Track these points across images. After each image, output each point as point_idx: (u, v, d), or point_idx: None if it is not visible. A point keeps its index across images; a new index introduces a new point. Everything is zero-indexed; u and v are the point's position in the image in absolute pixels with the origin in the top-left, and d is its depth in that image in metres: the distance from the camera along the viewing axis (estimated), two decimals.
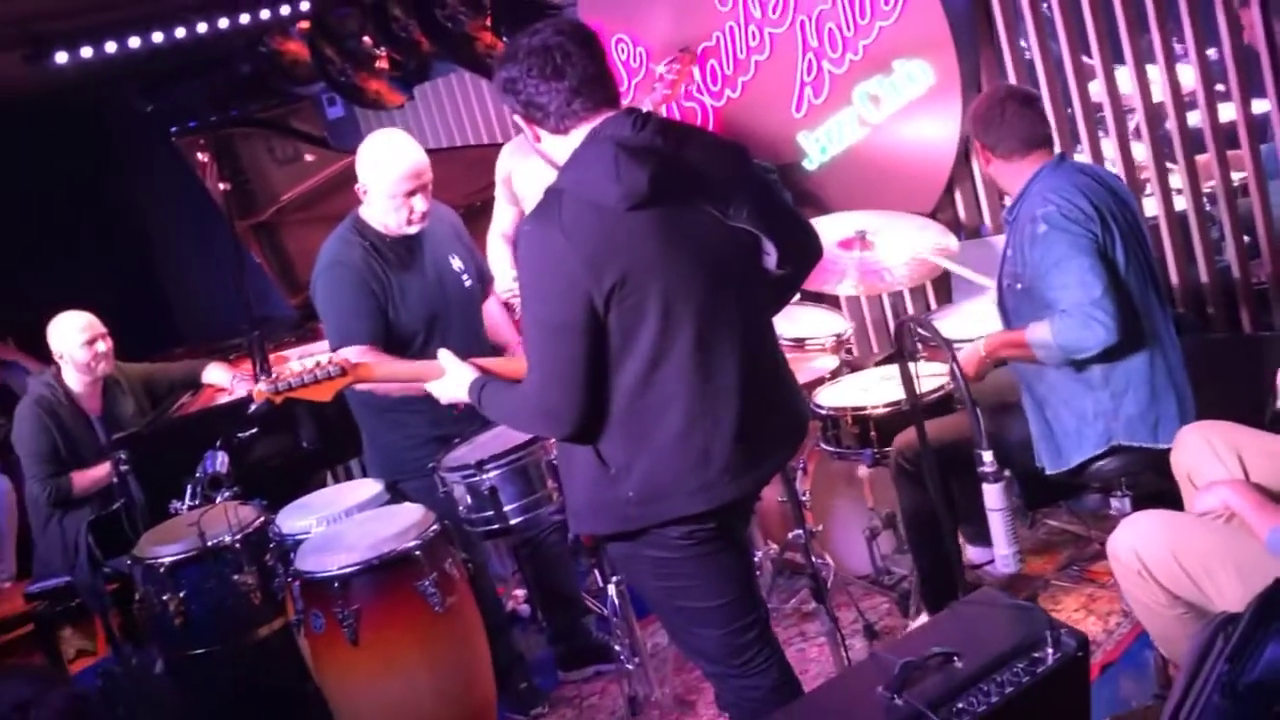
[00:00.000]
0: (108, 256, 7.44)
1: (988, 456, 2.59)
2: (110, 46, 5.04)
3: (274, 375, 2.76)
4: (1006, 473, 2.60)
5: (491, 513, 3.22)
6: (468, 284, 3.68)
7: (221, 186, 5.15)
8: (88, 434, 4.60)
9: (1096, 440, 3.15)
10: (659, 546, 2.46)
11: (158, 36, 5.09)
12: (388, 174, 3.43)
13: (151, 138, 7.36)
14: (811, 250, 2.69)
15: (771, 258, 2.53)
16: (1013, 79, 4.30)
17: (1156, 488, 3.30)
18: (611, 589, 3.49)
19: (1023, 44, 4.38)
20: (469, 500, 3.26)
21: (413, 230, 3.51)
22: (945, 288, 4.63)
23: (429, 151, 5.86)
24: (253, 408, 2.77)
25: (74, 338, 4.52)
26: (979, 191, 4.56)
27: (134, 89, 6.82)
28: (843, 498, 3.99)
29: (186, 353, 7.35)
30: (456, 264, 3.66)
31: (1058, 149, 3.28)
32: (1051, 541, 4.00)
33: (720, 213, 2.42)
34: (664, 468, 2.38)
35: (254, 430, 4.39)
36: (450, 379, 2.71)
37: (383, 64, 6.36)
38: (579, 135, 2.38)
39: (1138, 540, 2.61)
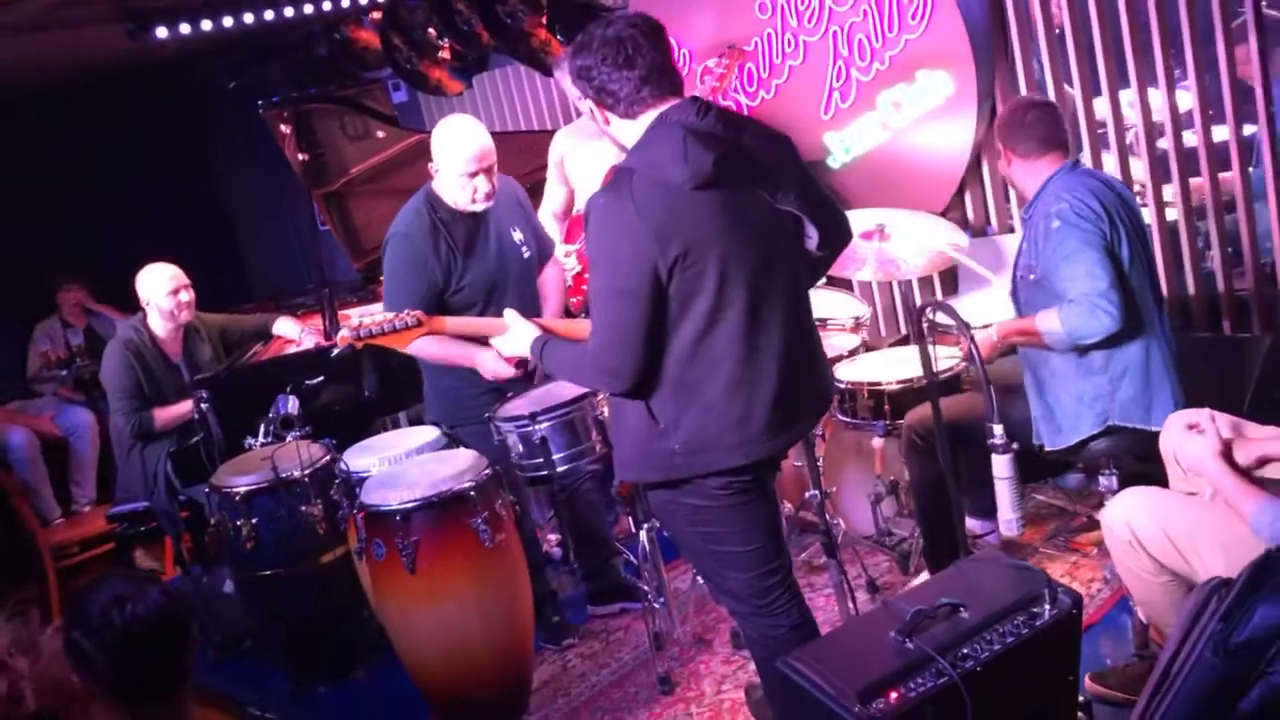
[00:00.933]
0: (190, 218, 7.46)
1: (998, 430, 2.59)
2: (206, 24, 5.02)
3: (356, 324, 2.77)
4: (1015, 445, 2.59)
5: (541, 460, 3.23)
6: (526, 255, 3.68)
7: (300, 157, 5.15)
8: (170, 375, 4.62)
9: (1094, 421, 3.16)
10: (698, 495, 2.48)
11: (248, 18, 5.08)
12: (458, 155, 3.42)
13: (234, 111, 7.38)
14: (845, 235, 2.69)
15: (813, 240, 2.55)
16: (1024, 94, 4.27)
17: (1139, 469, 3.31)
18: (643, 535, 3.51)
19: (1034, 63, 4.34)
20: (520, 448, 3.27)
21: (478, 208, 3.50)
22: (951, 280, 4.62)
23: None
24: (335, 351, 2.78)
25: (161, 287, 4.54)
26: (987, 194, 4.54)
27: (221, 66, 6.81)
28: (852, 465, 4.00)
29: (256, 307, 7.39)
30: (518, 235, 3.66)
31: (1072, 155, 3.27)
32: (1039, 514, 4.00)
33: (770, 196, 2.43)
34: (708, 424, 2.40)
35: (321, 378, 4.44)
36: (515, 334, 2.73)
37: (445, 54, 6.34)
38: (646, 120, 2.39)
39: (1130, 513, 2.61)
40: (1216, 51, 3.85)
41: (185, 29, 5.01)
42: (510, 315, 2.74)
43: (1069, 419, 3.19)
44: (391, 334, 2.71)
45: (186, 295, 4.57)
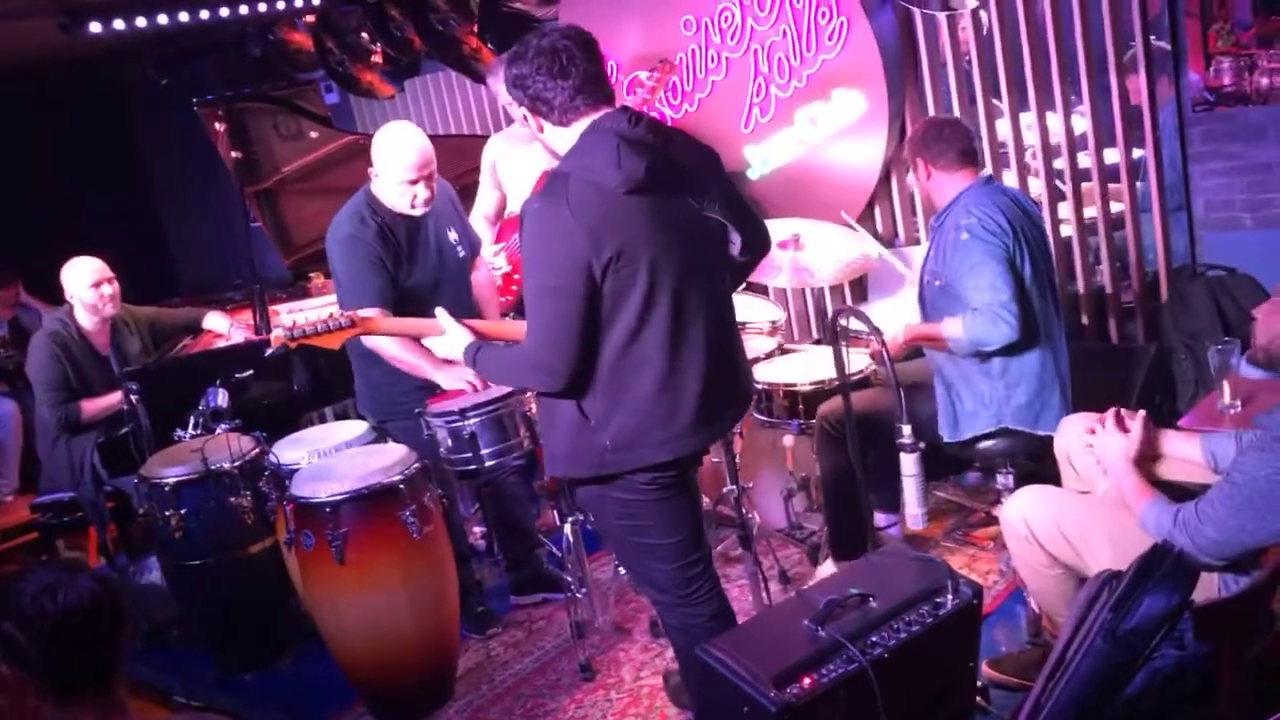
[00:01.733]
0: (119, 212, 7.23)
1: (907, 430, 2.63)
2: (140, 21, 4.88)
3: (290, 323, 2.71)
4: (921, 444, 2.64)
5: (470, 455, 3.21)
6: (461, 254, 3.64)
7: (233, 155, 5.03)
8: (97, 367, 4.46)
9: (988, 421, 3.24)
10: (626, 490, 2.48)
11: (183, 16, 4.95)
12: (400, 162, 3.36)
13: (165, 108, 7.19)
14: (765, 243, 2.71)
15: (736, 246, 2.57)
16: (931, 114, 4.37)
17: (1032, 468, 3.41)
18: (567, 528, 3.51)
19: (942, 86, 4.43)
20: (450, 443, 3.24)
21: (417, 213, 3.45)
22: (860, 288, 4.70)
23: None
24: (269, 351, 2.72)
25: (83, 279, 4.37)
26: (895, 208, 4.63)
27: (153, 62, 6.63)
28: (766, 462, 4.04)
29: (184, 302, 7.19)
30: (453, 235, 3.62)
31: (986, 170, 3.35)
32: (939, 509, 4.07)
33: (697, 203, 2.45)
34: (637, 421, 2.40)
35: (251, 372, 4.34)
36: (448, 339, 2.69)
37: (377, 58, 6.26)
38: (579, 127, 2.38)
39: (1027, 509, 2.68)
40: (1109, 79, 3.97)
41: (119, 25, 4.86)
42: (442, 316, 2.70)
43: (966, 416, 3.27)
44: (325, 334, 2.66)
45: (109, 289, 4.42)
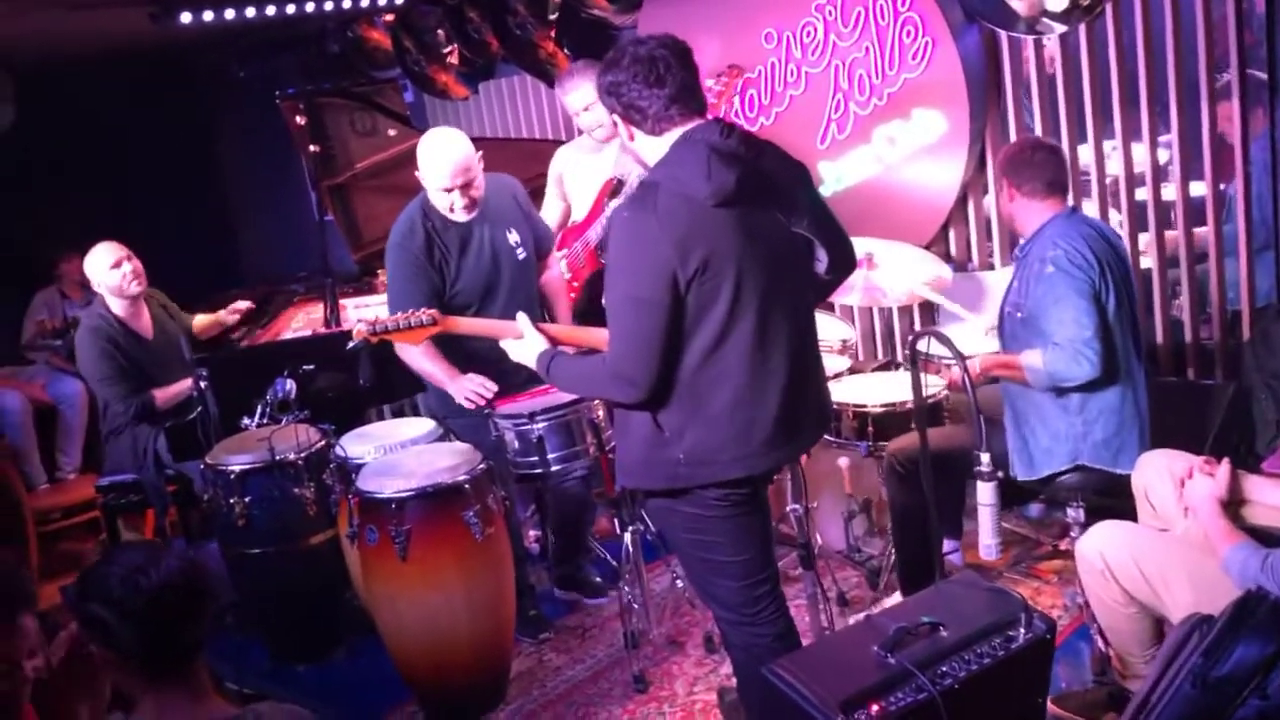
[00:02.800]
0: (190, 200, 7.33)
1: (985, 458, 2.59)
2: (229, 13, 4.96)
3: (373, 319, 2.72)
4: (999, 474, 2.60)
5: (536, 458, 3.22)
6: (521, 256, 3.63)
7: (311, 148, 5.09)
8: (147, 354, 4.45)
9: (1064, 458, 3.17)
10: (696, 505, 2.46)
11: (269, 9, 5.01)
12: (435, 171, 3.39)
13: (241, 100, 7.31)
14: (851, 262, 2.69)
15: (823, 263, 2.55)
16: (1013, 139, 4.31)
17: (1100, 502, 3.34)
18: (627, 537, 3.49)
19: (1024, 109, 4.38)
20: (516, 445, 3.25)
21: (458, 219, 3.47)
22: (928, 310, 4.65)
23: (490, 140, 5.91)
24: (350, 345, 2.74)
25: (103, 263, 4.34)
26: (971, 232, 4.57)
27: (232, 54, 6.73)
28: (828, 482, 4.00)
29: (249, 292, 7.32)
30: (513, 238, 3.61)
31: (1071, 201, 3.29)
32: (1002, 541, 4.00)
33: (785, 217, 2.43)
34: (712, 436, 2.38)
35: (318, 364, 4.37)
36: (525, 344, 2.66)
37: (453, 59, 6.30)
38: (671, 137, 2.37)
39: (1104, 544, 2.63)
40: (1200, 109, 3.89)
41: (208, 16, 4.94)
42: (523, 321, 2.69)
43: (1041, 453, 3.20)
44: (406, 330, 2.67)
45: (129, 265, 4.37)
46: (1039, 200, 3.11)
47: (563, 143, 4.96)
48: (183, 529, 4.73)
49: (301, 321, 5.33)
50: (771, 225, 2.39)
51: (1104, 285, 3.03)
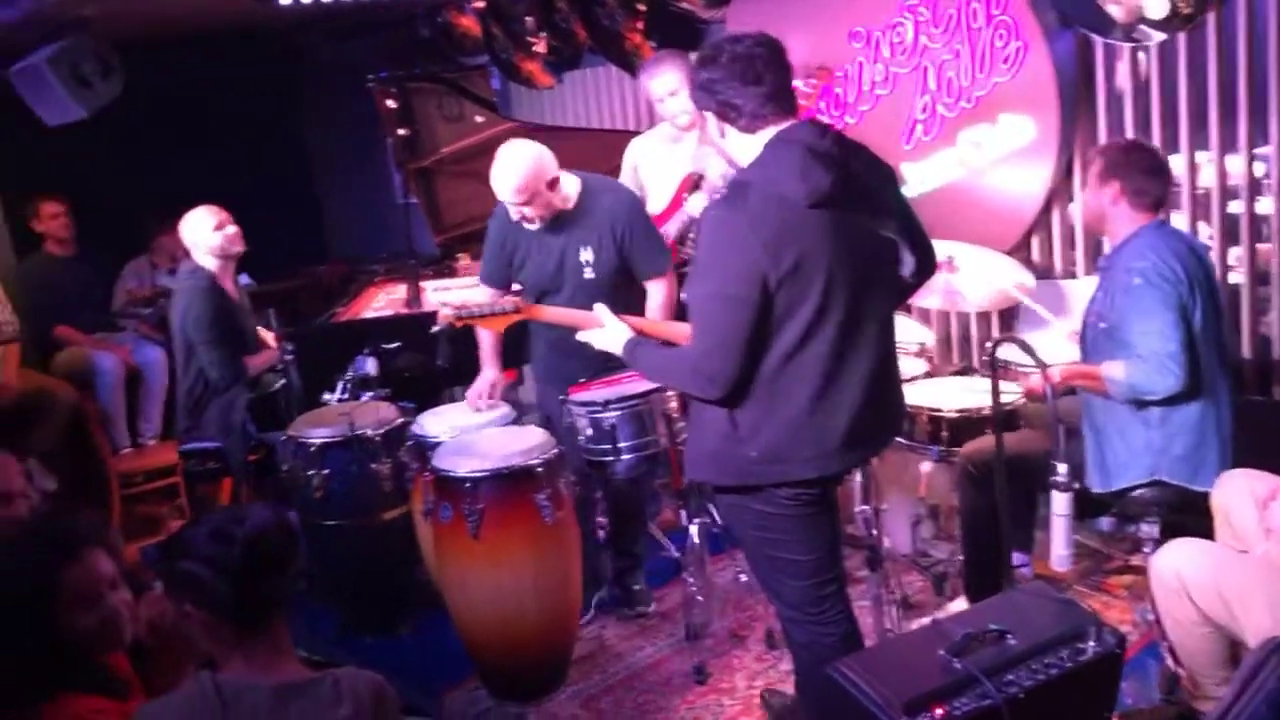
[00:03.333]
0: (276, 179, 7.49)
1: (1062, 468, 2.58)
2: None
3: (459, 303, 2.78)
4: (1076, 485, 2.58)
5: (608, 446, 3.26)
6: (589, 275, 3.53)
7: (400, 131, 5.18)
8: (244, 317, 4.56)
9: (1142, 471, 3.13)
10: (767, 503, 2.48)
11: None
12: (496, 183, 3.43)
13: (328, 81, 7.46)
14: (932, 265, 2.69)
15: (908, 267, 2.55)
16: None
17: (1178, 520, 3.29)
18: (693, 529, 3.53)
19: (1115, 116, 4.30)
20: (589, 432, 3.30)
21: (529, 228, 3.52)
22: (1006, 318, 4.60)
23: (571, 130, 5.95)
24: (435, 328, 2.80)
25: (206, 226, 4.37)
26: (1054, 239, 4.51)
27: (324, 35, 6.86)
28: (898, 485, 3.98)
29: (329, 269, 7.49)
30: (585, 255, 3.54)
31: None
32: (1075, 553, 3.95)
33: (873, 220, 2.43)
34: (787, 436, 2.39)
35: (399, 343, 4.47)
36: (607, 332, 2.71)
37: (540, 48, 6.36)
38: (764, 136, 2.39)
39: (1181, 562, 2.60)
40: None
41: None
42: (601, 310, 2.73)
43: (1118, 466, 3.16)
44: (490, 316, 2.72)
45: (232, 228, 4.42)
46: (1137, 209, 3.06)
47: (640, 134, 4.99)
48: (260, 498, 4.84)
49: (382, 301, 5.44)
50: (861, 227, 2.40)
51: (1191, 300, 2.98)
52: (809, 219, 2.30)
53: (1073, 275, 4.45)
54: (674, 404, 3.30)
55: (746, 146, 2.41)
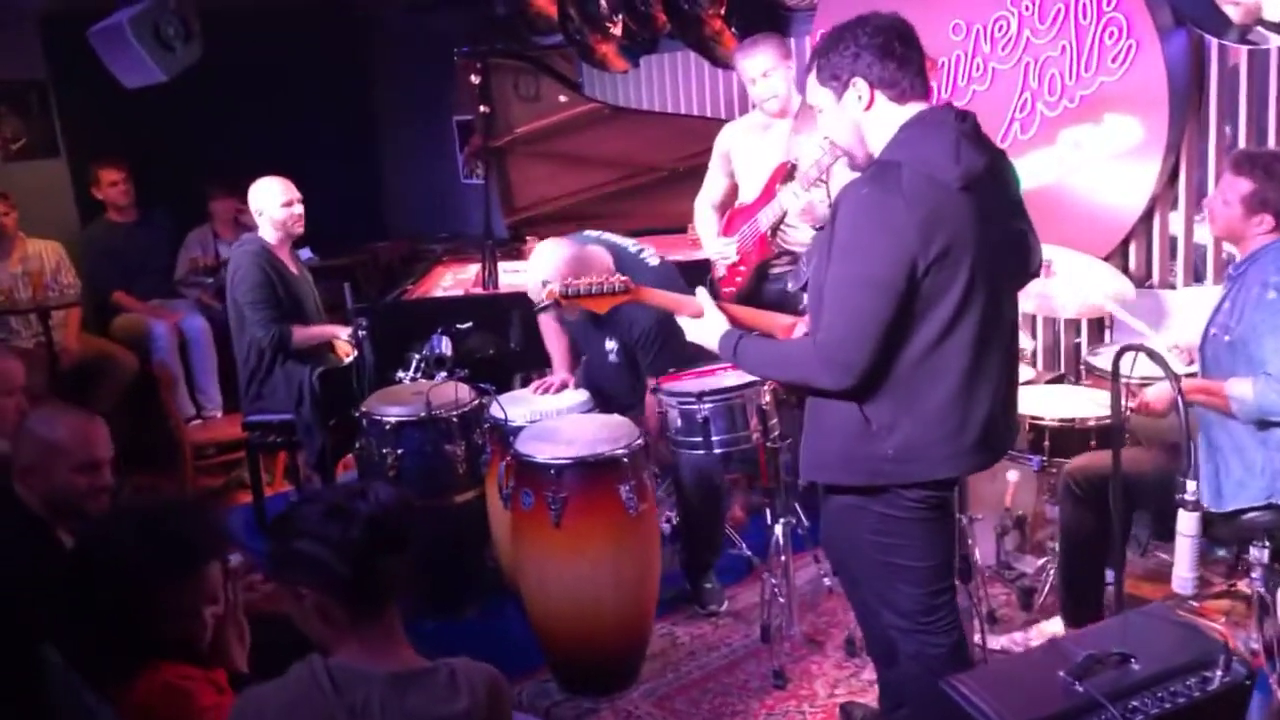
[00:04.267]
0: (342, 151, 7.45)
1: (1191, 486, 2.44)
2: None
3: (566, 281, 2.68)
4: (1213, 509, 2.45)
5: (700, 439, 3.17)
6: (613, 360, 3.94)
7: (481, 108, 5.11)
8: (296, 286, 4.55)
9: (1258, 493, 2.99)
10: (890, 505, 2.37)
11: None
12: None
13: (402, 55, 7.40)
14: (1040, 265, 2.58)
15: (1037, 261, 2.44)
16: (1212, 155, 4.10)
17: None
18: (778, 528, 3.42)
19: (1227, 123, 4.15)
20: (680, 423, 3.21)
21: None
22: (1098, 326, 4.46)
23: (645, 114, 5.85)
24: (540, 305, 2.73)
25: (275, 198, 4.45)
26: (1153, 247, 4.36)
27: (399, 8, 6.80)
28: (986, 493, 3.86)
29: (391, 247, 7.43)
30: (610, 345, 3.89)
31: None
32: (1161, 572, 3.82)
33: (1011, 211, 2.33)
34: (925, 431, 2.29)
35: (471, 323, 4.41)
36: (707, 322, 2.59)
37: (617, 31, 6.25)
38: (910, 111, 2.29)
39: None
40: None
41: None
42: (702, 296, 2.63)
43: (1233, 486, 3.03)
44: (597, 296, 2.62)
45: (299, 208, 4.49)
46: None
47: (721, 122, 4.88)
48: (323, 474, 4.78)
49: (450, 281, 5.36)
50: (1003, 217, 2.31)
51: None
52: (960, 203, 2.19)
53: (1171, 286, 4.30)
54: (768, 399, 3.20)
55: (888, 122, 2.29)
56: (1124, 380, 3.36)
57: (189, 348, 5.97)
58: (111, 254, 6.02)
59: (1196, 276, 4.28)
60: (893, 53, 2.25)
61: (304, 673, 1.71)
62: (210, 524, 2.20)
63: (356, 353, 4.20)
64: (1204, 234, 4.26)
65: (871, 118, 2.32)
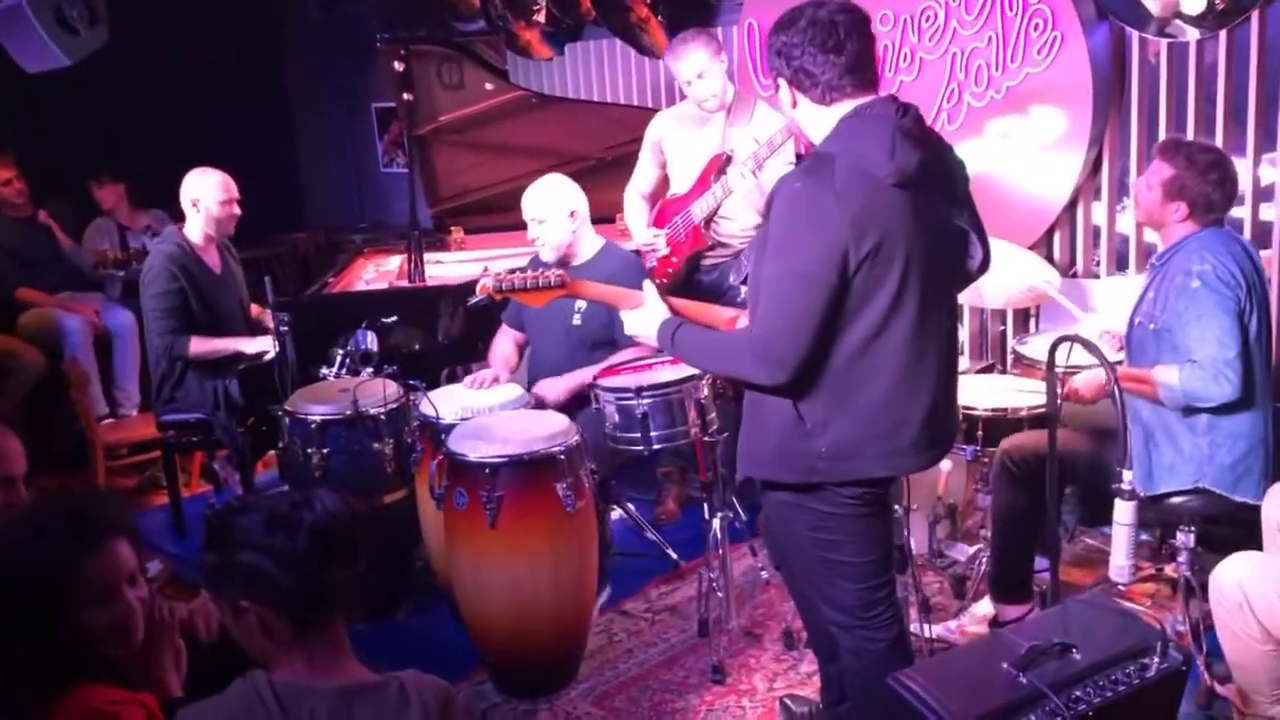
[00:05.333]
0: (254, 140, 7.21)
1: (1128, 475, 2.49)
2: None
3: (499, 275, 2.63)
4: (1142, 492, 2.50)
5: (638, 435, 3.14)
6: (575, 322, 3.87)
7: (405, 95, 5.00)
8: (216, 286, 4.40)
9: (1185, 478, 3.08)
10: (827, 502, 2.36)
11: None
12: (524, 198, 3.85)
13: (317, 42, 7.22)
14: (989, 261, 2.59)
15: (976, 259, 2.45)
16: (1134, 146, 4.19)
17: (1214, 530, 3.24)
18: (716, 523, 3.42)
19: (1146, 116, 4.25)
20: (617, 419, 3.18)
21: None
22: (1024, 314, 4.55)
23: (572, 103, 5.79)
24: (473, 300, 2.67)
25: (217, 194, 4.30)
26: (1077, 237, 4.45)
27: None
28: (918, 483, 3.90)
29: (307, 237, 7.26)
30: (579, 304, 3.81)
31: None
32: (1089, 558, 3.92)
33: (949, 207, 2.33)
34: (860, 431, 2.28)
35: (396, 317, 4.31)
36: (646, 311, 2.55)
37: (540, 17, 6.18)
38: (840, 110, 2.28)
39: (1244, 576, 2.54)
40: None
41: None
42: (648, 288, 2.60)
43: (1163, 470, 3.11)
44: (532, 290, 2.58)
45: (238, 210, 4.36)
46: (1202, 214, 2.99)
47: (649, 111, 4.85)
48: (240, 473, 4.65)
49: (373, 273, 5.26)
50: (939, 213, 2.30)
51: (1249, 305, 2.93)
52: (894, 199, 2.19)
53: (1095, 275, 4.40)
54: (707, 393, 3.18)
55: (818, 120, 2.29)
56: (1060, 369, 3.44)
57: (112, 342, 5.76)
58: (9, 251, 5.76)
59: (1119, 265, 4.38)
60: (822, 49, 2.22)
61: (246, 689, 1.65)
62: (107, 499, 2.09)
63: (278, 348, 4.08)
64: (1127, 223, 4.37)
65: (799, 115, 2.33)
